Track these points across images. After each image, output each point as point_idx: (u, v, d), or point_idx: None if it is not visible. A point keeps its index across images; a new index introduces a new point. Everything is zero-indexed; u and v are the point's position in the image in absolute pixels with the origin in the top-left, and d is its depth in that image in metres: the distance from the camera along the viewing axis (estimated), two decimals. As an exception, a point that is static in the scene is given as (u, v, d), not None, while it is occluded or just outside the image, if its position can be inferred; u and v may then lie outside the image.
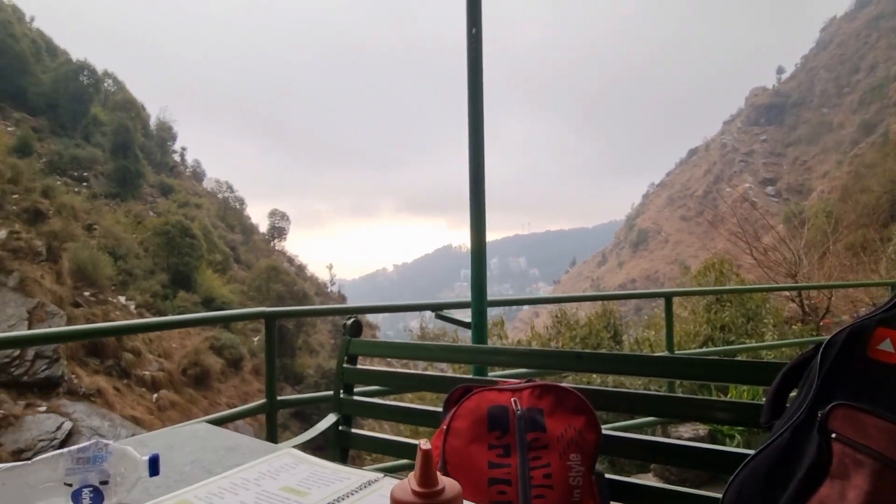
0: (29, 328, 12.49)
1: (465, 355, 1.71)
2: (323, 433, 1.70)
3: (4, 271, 13.13)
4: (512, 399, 1.18)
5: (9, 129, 25.28)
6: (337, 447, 1.72)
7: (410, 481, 0.51)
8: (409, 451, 1.61)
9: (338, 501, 0.82)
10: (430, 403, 3.05)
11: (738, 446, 2.94)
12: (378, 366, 1.88)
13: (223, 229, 32.34)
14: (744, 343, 5.74)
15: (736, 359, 4.22)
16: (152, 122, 35.56)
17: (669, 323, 3.60)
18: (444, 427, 1.18)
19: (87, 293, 17.17)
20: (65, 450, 0.81)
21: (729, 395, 3.42)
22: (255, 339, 22.16)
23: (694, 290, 6.91)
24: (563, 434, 1.12)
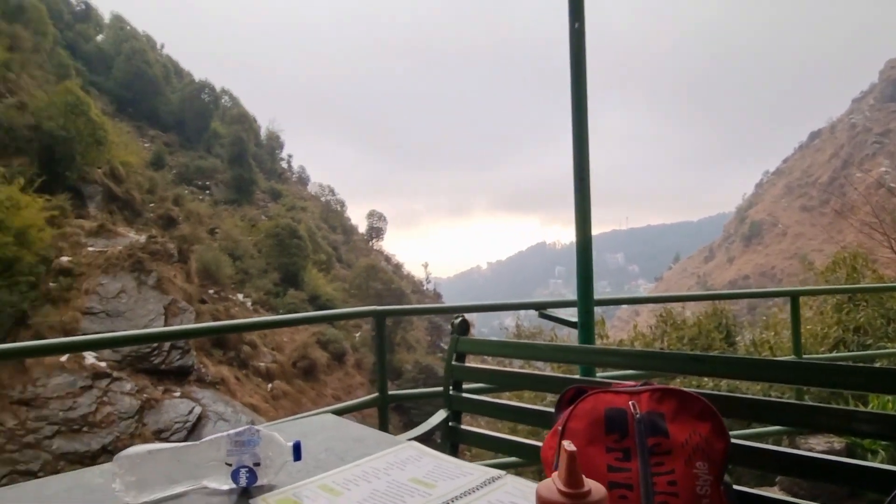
0: (165, 322, 14.02)
1: (574, 355, 1.69)
2: (430, 427, 1.76)
3: (145, 271, 14.85)
4: (630, 402, 1.15)
5: (146, 145, 28.53)
6: (447, 442, 1.77)
7: (556, 481, 0.52)
8: (518, 448, 1.62)
9: (464, 496, 0.85)
10: (528, 402, 3.04)
11: (882, 462, 2.64)
12: (472, 362, 1.91)
13: (326, 230, 34.25)
14: (884, 347, 5.11)
15: (876, 365, 3.78)
16: (262, 132, 38.44)
17: (796, 324, 3.30)
18: (560, 427, 1.18)
19: (211, 291, 18.96)
20: (224, 433, 0.91)
21: (871, 406, 3.07)
22: (357, 334, 23.25)
23: (826, 288, 6.23)
24: (688, 440, 1.07)
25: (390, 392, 2.45)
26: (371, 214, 41.29)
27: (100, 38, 33.49)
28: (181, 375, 13.61)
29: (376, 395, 2.41)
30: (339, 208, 41.39)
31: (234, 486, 0.89)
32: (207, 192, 28.99)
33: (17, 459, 10.58)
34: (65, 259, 14.40)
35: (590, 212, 2.11)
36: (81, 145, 18.26)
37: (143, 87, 31.13)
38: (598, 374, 2.44)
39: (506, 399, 2.15)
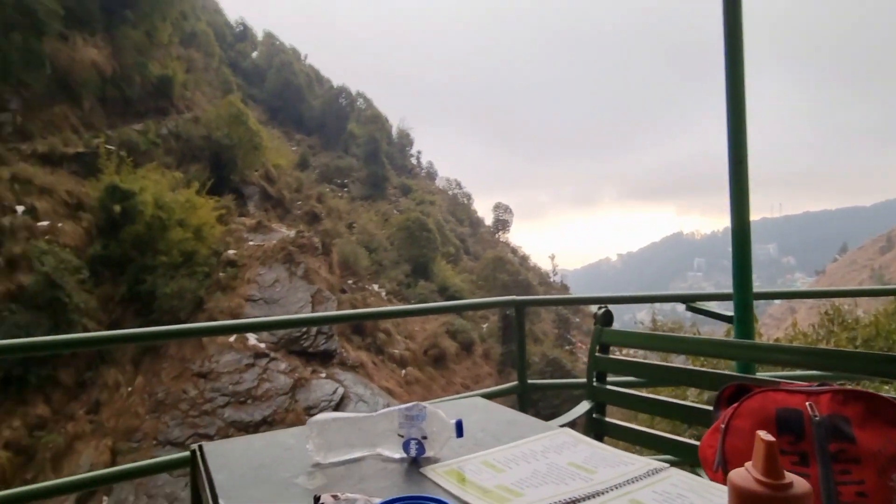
0: (311, 309, 15.39)
1: (736, 351, 1.57)
2: (574, 417, 1.75)
3: (295, 263, 16.42)
4: (807, 403, 1.06)
5: (293, 148, 31.43)
6: (591, 434, 1.75)
7: (751, 470, 0.50)
8: (668, 445, 1.56)
9: (627, 483, 0.85)
10: (667, 397, 2.88)
11: None
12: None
13: (454, 223, 35.15)
14: None
15: None
16: (394, 131, 40.39)
17: None
18: (721, 425, 1.12)
19: (350, 281, 20.43)
20: (395, 407, 1.00)
21: None
22: (484, 325, 23.58)
23: None
24: (882, 449, 0.97)
25: (530, 381, 2.47)
26: (497, 207, 41.54)
27: (254, 54, 37.47)
28: (326, 358, 14.87)
29: (516, 383, 2.45)
30: (465, 201, 42.22)
31: (404, 455, 0.98)
32: (345, 189, 31.20)
33: (197, 424, 12.35)
34: (231, 252, 16.43)
35: (748, 197, 1.97)
36: (242, 151, 20.67)
37: (291, 95, 34.31)
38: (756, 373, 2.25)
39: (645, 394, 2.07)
